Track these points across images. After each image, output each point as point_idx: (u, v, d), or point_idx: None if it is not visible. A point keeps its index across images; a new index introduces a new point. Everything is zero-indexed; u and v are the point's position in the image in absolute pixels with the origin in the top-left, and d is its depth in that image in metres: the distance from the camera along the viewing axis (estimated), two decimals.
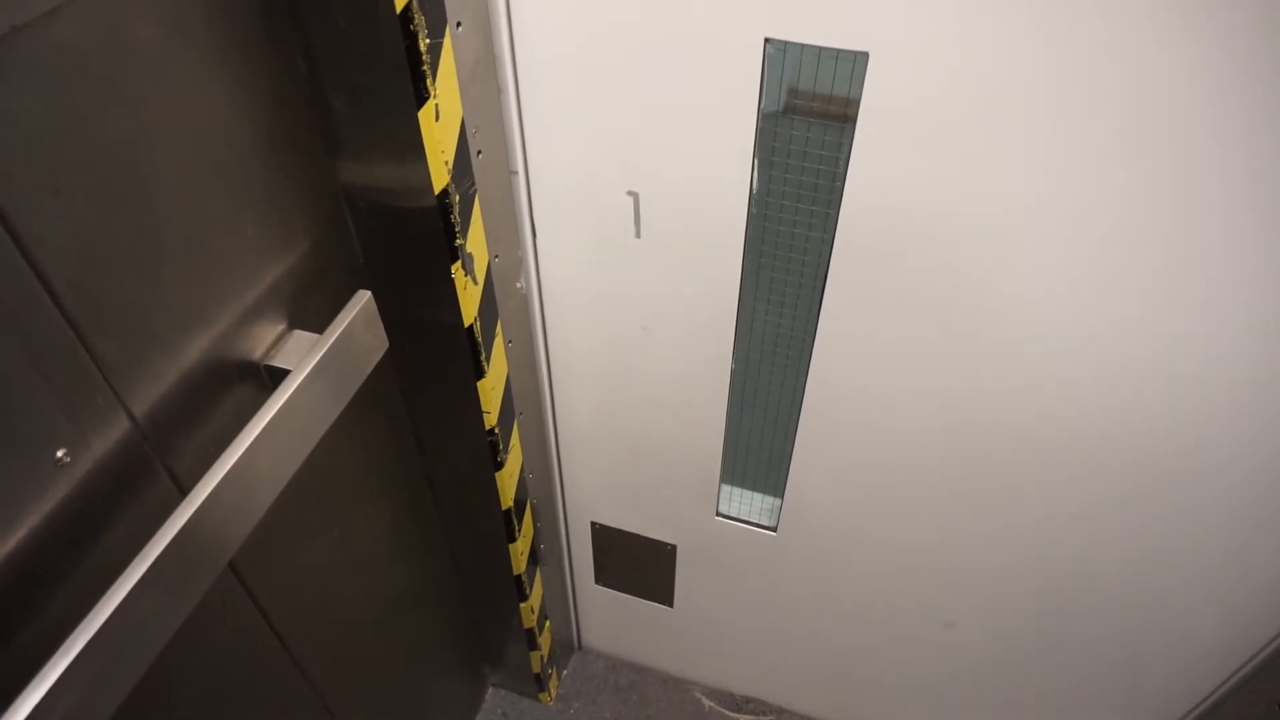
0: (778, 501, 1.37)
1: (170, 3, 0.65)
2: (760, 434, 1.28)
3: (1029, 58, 0.77)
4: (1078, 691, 1.45)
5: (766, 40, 0.84)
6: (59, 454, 0.64)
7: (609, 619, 1.80)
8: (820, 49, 0.84)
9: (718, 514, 1.42)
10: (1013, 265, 0.92)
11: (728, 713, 1.85)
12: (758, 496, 1.41)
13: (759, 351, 1.16)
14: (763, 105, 0.89)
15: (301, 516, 1.00)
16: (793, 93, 0.91)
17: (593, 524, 1.56)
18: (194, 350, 0.77)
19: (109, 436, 0.69)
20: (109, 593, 0.64)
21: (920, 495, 1.24)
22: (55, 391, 0.63)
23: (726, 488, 1.40)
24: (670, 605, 1.69)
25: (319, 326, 0.90)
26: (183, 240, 0.72)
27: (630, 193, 1.01)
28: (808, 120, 0.92)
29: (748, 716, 1.84)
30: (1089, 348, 0.96)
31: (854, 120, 0.87)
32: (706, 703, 1.86)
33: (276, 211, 0.83)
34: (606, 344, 1.21)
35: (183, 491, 0.79)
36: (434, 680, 1.59)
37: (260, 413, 0.77)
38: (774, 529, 1.40)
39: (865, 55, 0.82)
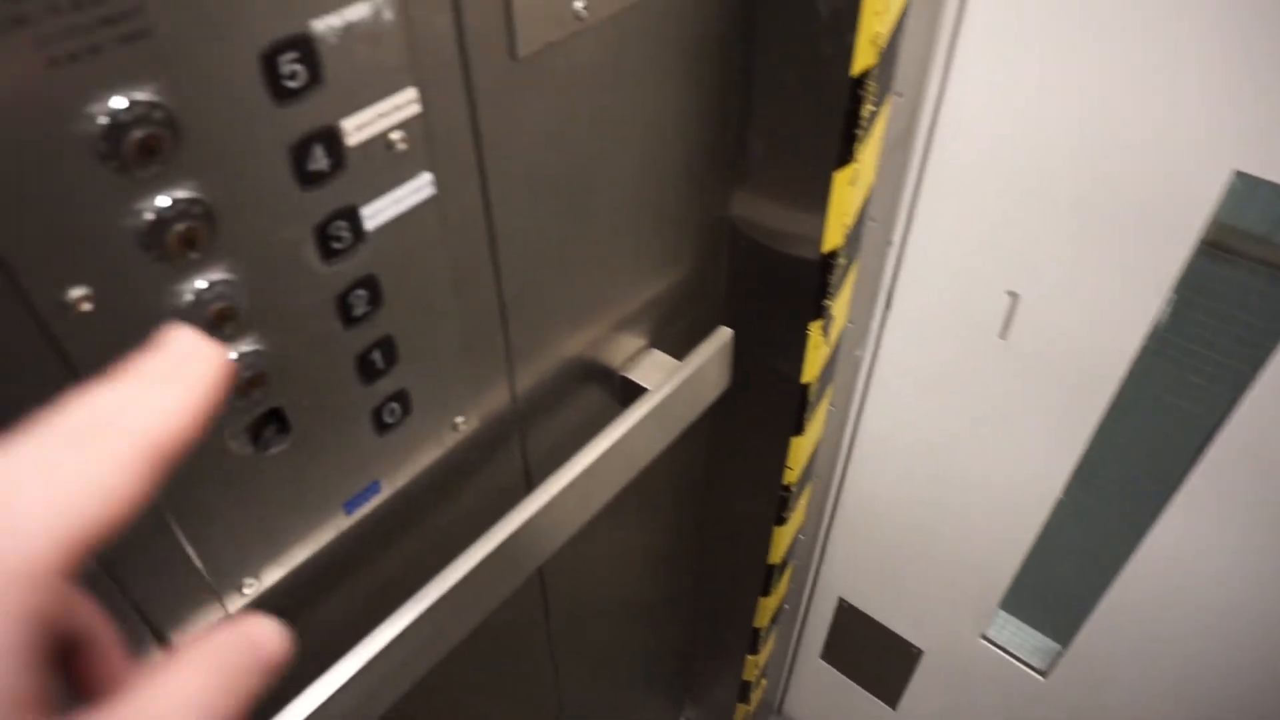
0: (1057, 648, 1.24)
1: (667, 31, 0.69)
2: (1066, 574, 1.17)
3: None
4: None
5: (1236, 174, 0.75)
6: (458, 420, 0.70)
7: (821, 696, 1.73)
8: None
9: (983, 637, 1.31)
10: None
11: None
12: (1035, 635, 1.29)
13: (1099, 491, 1.06)
14: (1202, 238, 0.80)
15: (602, 513, 1.04)
16: (1240, 233, 0.81)
17: (840, 600, 1.50)
18: (572, 347, 0.81)
19: (494, 412, 0.74)
20: (454, 563, 0.69)
21: (1232, 701, 1.07)
22: (474, 367, 0.68)
23: (1003, 614, 1.29)
24: (893, 707, 1.59)
25: (673, 350, 0.92)
26: (604, 248, 0.76)
27: (1010, 292, 0.95)
28: (1252, 263, 0.82)
29: None
30: None
31: None
32: None
33: (674, 234, 0.86)
34: (926, 432, 1.15)
35: (529, 474, 0.84)
36: (641, 697, 1.60)
37: (614, 425, 0.80)
38: (1043, 673, 1.27)
39: None
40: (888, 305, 1.07)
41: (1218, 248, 0.82)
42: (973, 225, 0.94)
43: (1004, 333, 0.98)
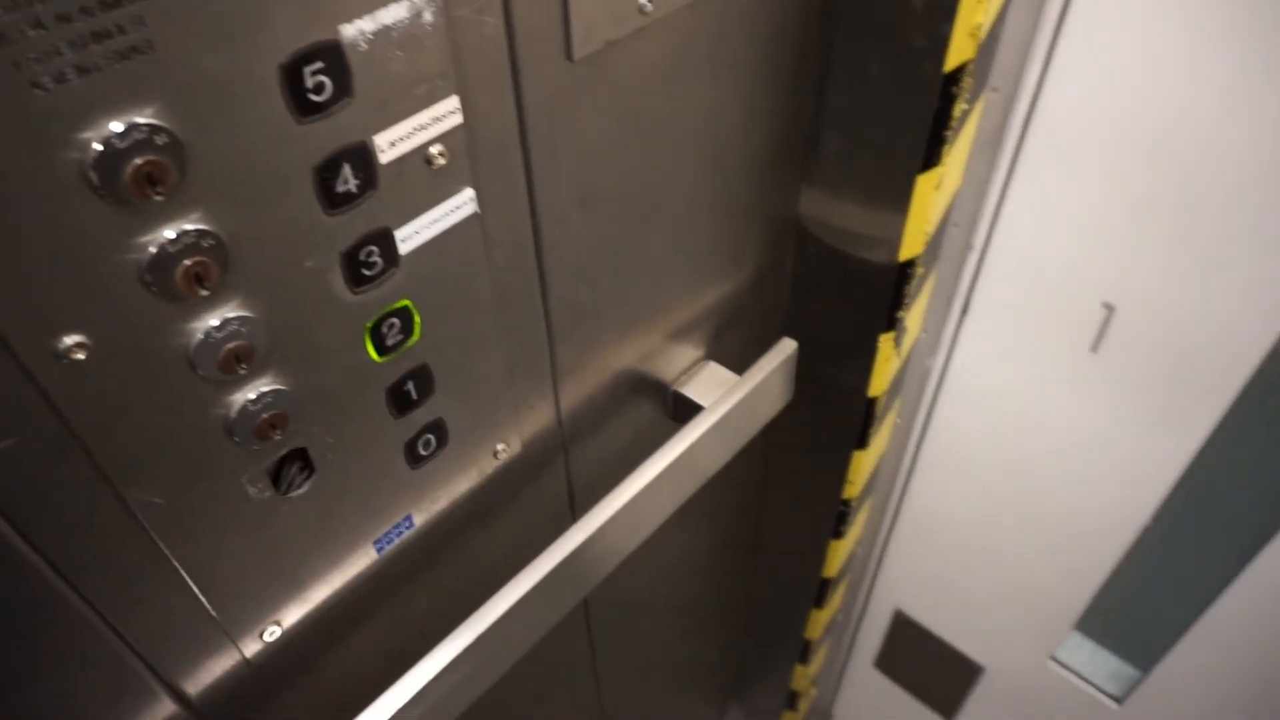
0: (1136, 674, 1.16)
1: (739, 23, 0.62)
2: (1152, 599, 1.09)
3: None
4: None
5: None
6: (499, 447, 0.65)
7: (873, 704, 1.67)
8: None
9: (1053, 658, 1.24)
10: None
11: None
12: (1113, 660, 1.21)
13: (1197, 515, 0.97)
14: None
15: None
16: None
17: (897, 611, 1.43)
18: (623, 362, 0.75)
19: (537, 435, 0.69)
20: (495, 598, 0.64)
21: None
22: (516, 391, 0.63)
23: (1076, 635, 1.21)
24: None
25: (732, 362, 0.86)
26: (662, 260, 0.70)
27: (1106, 305, 0.86)
28: None
29: None
30: None
31: None
32: None
33: (736, 242, 0.80)
34: (1000, 448, 1.07)
35: (574, 498, 0.79)
36: (685, 699, 1.56)
37: (667, 447, 0.75)
38: (1118, 700, 1.20)
39: None
40: (964, 312, 0.99)
41: None
42: (1067, 230, 0.85)
43: (1096, 346, 0.90)
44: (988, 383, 1.03)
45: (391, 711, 0.57)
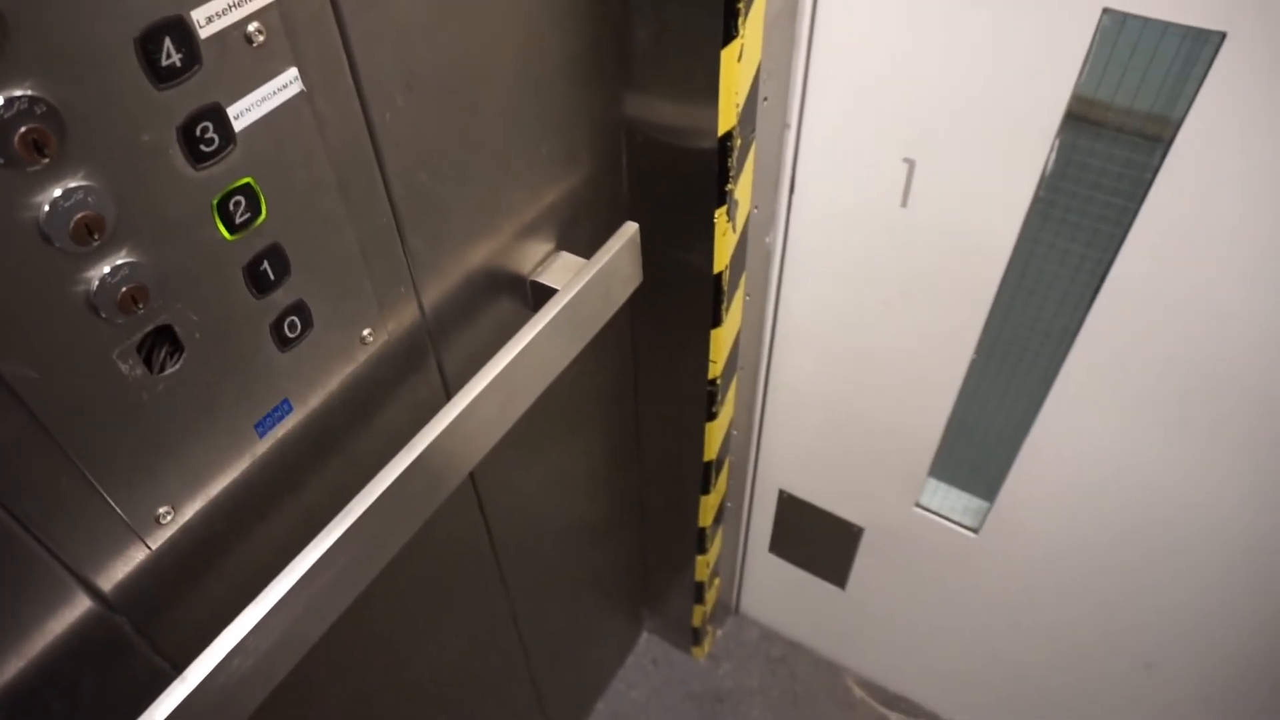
0: (986, 505, 1.30)
1: None
2: (985, 433, 1.22)
3: None
4: None
5: (1104, 11, 0.77)
6: (365, 333, 0.69)
7: (774, 588, 1.79)
8: (1167, 25, 0.76)
9: (917, 505, 1.37)
10: None
11: (877, 706, 1.81)
12: (965, 496, 1.35)
13: (1007, 347, 1.10)
14: (1080, 84, 0.82)
15: (531, 434, 1.04)
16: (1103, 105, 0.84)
17: (780, 492, 1.54)
18: (477, 255, 0.80)
19: (402, 325, 0.73)
20: (378, 477, 0.68)
21: (1145, 528, 1.14)
22: (374, 277, 0.67)
23: (932, 481, 1.34)
24: (842, 587, 1.65)
25: (583, 251, 0.92)
26: (495, 149, 0.75)
27: (906, 160, 0.97)
28: (1116, 131, 0.84)
29: (898, 715, 1.79)
30: None
31: (1181, 120, 0.79)
32: (857, 691, 1.82)
33: (567, 134, 0.85)
34: (842, 313, 1.18)
35: (448, 387, 0.83)
36: (600, 613, 1.63)
37: (527, 327, 0.80)
38: (975, 530, 1.34)
39: (1221, 36, 0.74)
40: (792, 190, 1.08)
41: (1086, 118, 0.85)
42: (865, 96, 0.95)
43: (905, 201, 1.00)
44: (821, 252, 1.12)
45: (286, 589, 0.61)
